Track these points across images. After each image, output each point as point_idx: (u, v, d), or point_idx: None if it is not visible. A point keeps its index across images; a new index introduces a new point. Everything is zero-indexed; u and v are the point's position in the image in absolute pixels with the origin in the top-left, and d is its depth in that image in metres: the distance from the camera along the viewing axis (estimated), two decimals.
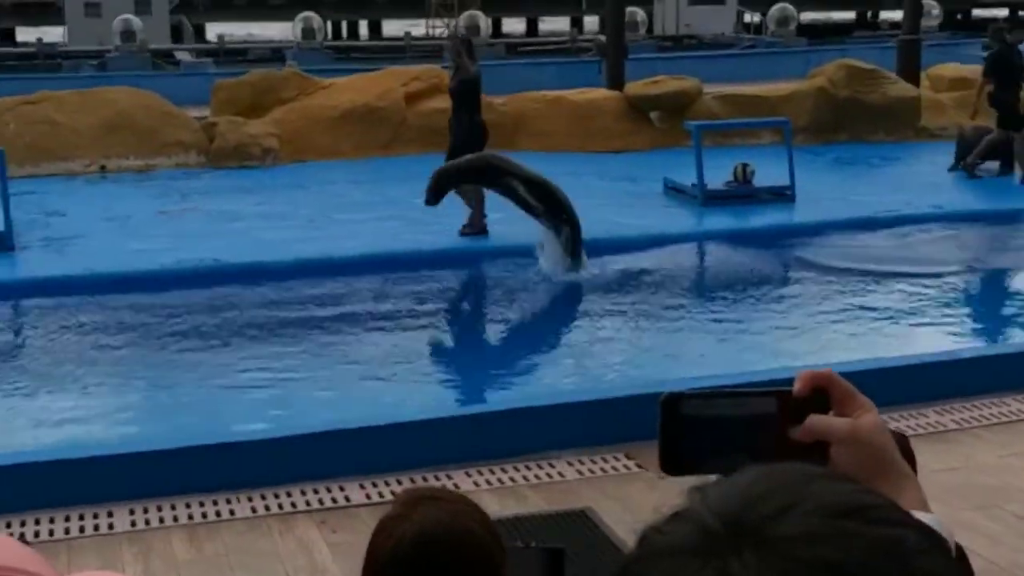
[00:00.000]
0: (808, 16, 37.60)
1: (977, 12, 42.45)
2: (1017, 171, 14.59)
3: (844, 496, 0.77)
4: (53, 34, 28.53)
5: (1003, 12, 41.69)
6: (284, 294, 10.50)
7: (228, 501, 6.01)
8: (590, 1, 35.07)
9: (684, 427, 1.02)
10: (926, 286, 10.74)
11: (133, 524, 5.82)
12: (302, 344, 9.31)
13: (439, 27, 33.28)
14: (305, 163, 16.09)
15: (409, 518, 2.05)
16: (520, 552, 2.19)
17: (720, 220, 12.85)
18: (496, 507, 5.77)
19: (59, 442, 7.20)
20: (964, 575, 0.77)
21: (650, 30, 30.36)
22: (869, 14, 40.38)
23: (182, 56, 27.75)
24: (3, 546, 0.93)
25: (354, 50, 30.69)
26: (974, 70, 18.77)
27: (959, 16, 39.99)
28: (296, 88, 17.54)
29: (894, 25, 30.81)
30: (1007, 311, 10.73)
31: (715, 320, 9.91)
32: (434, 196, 10.75)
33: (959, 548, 0.93)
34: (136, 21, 25.62)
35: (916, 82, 18.68)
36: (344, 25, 35.96)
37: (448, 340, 9.37)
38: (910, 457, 2.54)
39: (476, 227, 11.59)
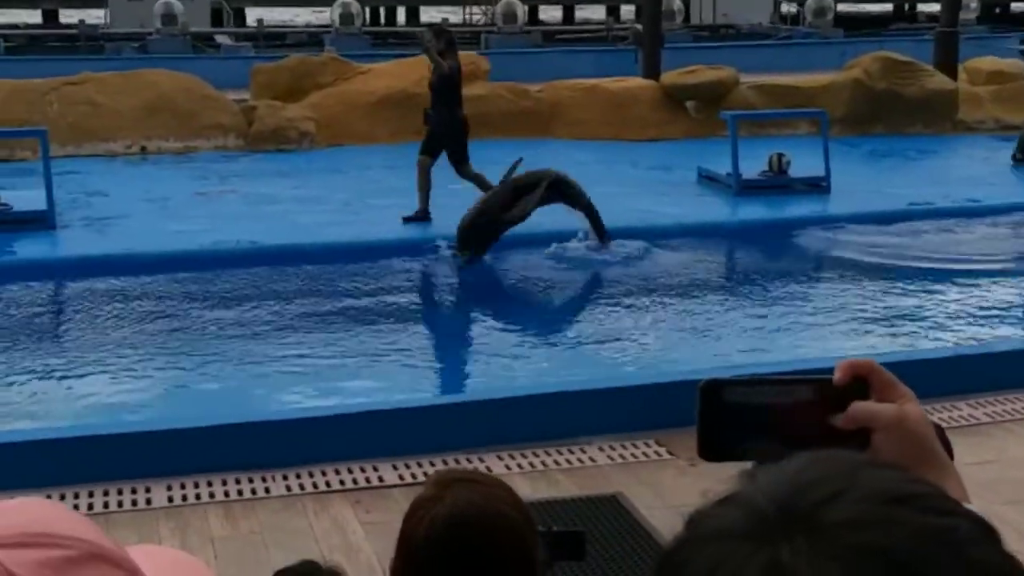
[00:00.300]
0: (845, 7, 37.37)
1: (1016, 5, 42.06)
2: None
3: (895, 483, 0.77)
4: (95, 16, 28.70)
5: None
6: (320, 277, 10.60)
7: (264, 479, 6.09)
8: None
9: (723, 414, 1.02)
10: (960, 279, 10.71)
11: (170, 500, 5.91)
12: (338, 326, 9.40)
13: (476, 14, 33.27)
14: (341, 148, 16.17)
15: (442, 500, 2.05)
16: (541, 536, 2.18)
17: (754, 210, 12.85)
18: (528, 491, 5.82)
19: (98, 418, 7.31)
20: (1016, 568, 0.75)
21: (687, 19, 30.24)
22: (906, 6, 40.08)
23: (222, 40, 27.87)
24: (56, 513, 0.97)
25: (392, 36, 30.75)
26: (1012, 64, 18.67)
27: (997, 9, 39.58)
28: (334, 73, 17.61)
29: (931, 18, 30.58)
30: None
31: (747, 309, 9.93)
32: (476, 248, 10.43)
33: None
34: (177, 4, 25.75)
35: (953, 75, 18.57)
36: (382, 11, 36.00)
37: (483, 324, 9.43)
38: (947, 449, 2.56)
39: (421, 213, 11.59)
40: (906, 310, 9.87)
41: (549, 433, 6.56)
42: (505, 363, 8.47)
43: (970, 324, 9.54)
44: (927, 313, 9.84)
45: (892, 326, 9.42)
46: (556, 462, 6.33)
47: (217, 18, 30.06)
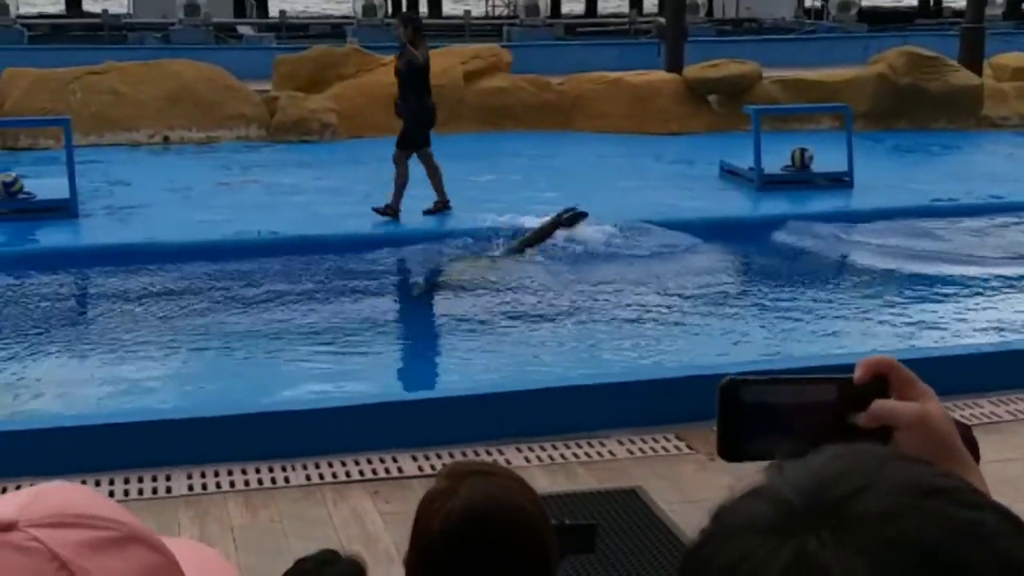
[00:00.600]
0: (869, 2, 37.18)
1: None
2: None
3: (922, 477, 0.76)
4: (118, 5, 28.79)
5: None
6: (341, 267, 10.62)
7: (284, 469, 6.10)
8: None
9: (743, 413, 1.01)
10: (983, 275, 10.66)
11: (190, 488, 5.93)
12: (358, 316, 9.42)
13: (499, 6, 33.26)
14: (363, 139, 16.19)
15: (457, 493, 2.03)
16: (552, 528, 2.15)
17: (776, 204, 12.81)
18: (546, 483, 5.83)
19: (119, 406, 7.35)
20: None
21: (710, 13, 30.16)
22: (932, 1, 39.87)
23: (244, 30, 27.91)
24: (92, 497, 0.98)
25: None
26: None
27: (1023, 5, 39.37)
28: (356, 64, 17.64)
29: (957, 13, 30.39)
30: None
31: (768, 304, 9.91)
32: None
33: None
34: None
35: (979, 71, 18.47)
36: (404, 3, 36.03)
37: (503, 317, 9.43)
38: (973, 447, 2.54)
39: (395, 209, 11.55)
40: (928, 306, 9.83)
41: (568, 426, 6.56)
42: (525, 356, 8.47)
43: (992, 321, 9.50)
44: (949, 310, 9.79)
45: (914, 322, 9.38)
46: (575, 455, 6.33)
47: (240, 9, 30.12)
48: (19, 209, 11.72)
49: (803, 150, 13.61)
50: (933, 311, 9.73)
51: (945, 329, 9.25)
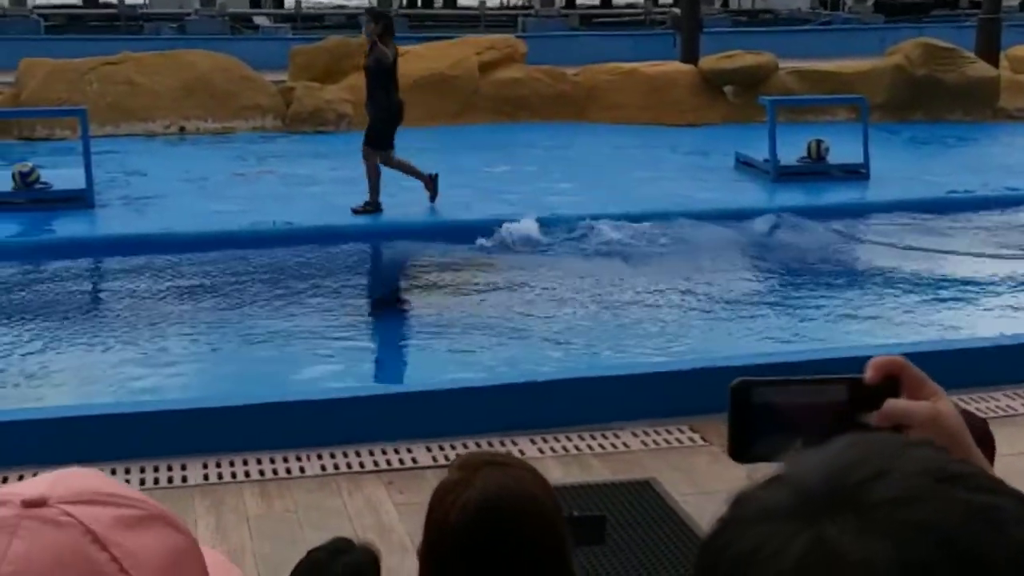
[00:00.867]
0: None
1: None
2: None
3: (940, 463, 0.77)
4: None
5: None
6: (356, 258, 10.64)
7: (299, 459, 6.13)
8: None
9: (754, 414, 1.02)
10: (998, 268, 10.63)
11: (206, 478, 5.96)
12: (372, 307, 9.44)
13: None
14: None
15: (471, 484, 2.02)
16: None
17: (791, 196, 12.79)
18: (560, 474, 5.84)
19: (135, 396, 7.38)
20: None
21: (725, 4, 30.13)
22: None
23: (260, 21, 27.97)
24: (115, 481, 0.99)
25: (429, 19, 30.73)
26: None
27: None
28: None
29: (974, 4, 30.24)
30: None
31: (782, 297, 9.89)
32: None
33: None
34: None
35: (995, 62, 18.41)
36: None
37: (517, 308, 9.44)
38: (990, 441, 2.53)
39: (374, 204, 11.52)
40: (943, 299, 9.80)
41: (582, 418, 6.57)
42: (540, 347, 8.47)
43: (1008, 314, 9.47)
44: (964, 302, 9.77)
45: (928, 315, 9.36)
46: (589, 447, 6.34)
47: None
48: (36, 199, 11.78)
49: (819, 142, 13.59)
50: (949, 303, 9.71)
51: (961, 321, 9.23)
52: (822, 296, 9.89)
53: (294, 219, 11.27)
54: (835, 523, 0.72)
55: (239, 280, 9.97)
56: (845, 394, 1.03)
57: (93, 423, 6.25)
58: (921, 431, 1.01)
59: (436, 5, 36.48)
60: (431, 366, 8.07)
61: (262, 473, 6.01)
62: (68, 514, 0.89)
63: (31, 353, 8.27)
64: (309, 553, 2.94)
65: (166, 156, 14.65)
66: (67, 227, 11.21)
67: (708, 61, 17.82)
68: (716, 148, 14.88)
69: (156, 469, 5.97)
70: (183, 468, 6.02)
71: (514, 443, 6.29)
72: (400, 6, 28.15)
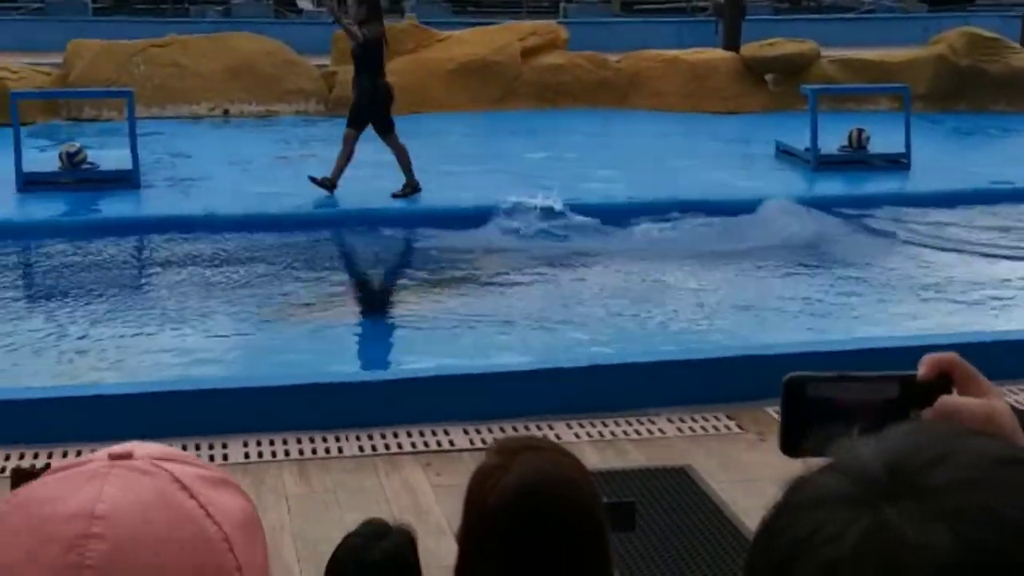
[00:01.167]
0: None
1: None
2: None
3: (999, 448, 0.76)
4: None
5: None
6: (397, 241, 10.73)
7: (338, 439, 6.22)
8: None
9: (807, 409, 1.03)
10: None
11: (246, 456, 6.07)
12: (412, 290, 9.52)
13: None
14: (420, 114, 16.26)
15: (509, 468, 2.03)
16: None
17: (832, 185, 12.75)
18: (596, 459, 5.89)
19: (178, 375, 7.49)
20: None
21: None
22: None
23: (304, 5, 28.06)
24: (175, 449, 1.04)
25: (472, 4, 30.73)
26: None
27: None
28: (414, 40, 17.70)
29: None
30: None
31: (822, 286, 9.88)
32: None
33: None
34: None
35: None
36: None
37: (555, 294, 9.48)
38: None
39: (411, 186, 11.57)
40: (986, 291, 9.76)
41: (619, 403, 6.62)
42: (578, 332, 8.52)
43: None
44: (1007, 294, 9.73)
45: (972, 307, 9.33)
46: (625, 432, 6.39)
47: None
48: (83, 179, 11.96)
49: (860, 131, 13.53)
50: (991, 295, 9.66)
51: (1005, 313, 9.20)
52: (860, 285, 9.87)
53: (337, 202, 11.37)
54: (895, 508, 0.71)
55: (280, 262, 10.07)
56: (897, 391, 1.04)
57: (135, 401, 6.36)
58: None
59: None
60: (469, 349, 8.13)
61: (301, 453, 6.10)
62: (156, 465, 0.96)
63: (77, 332, 8.40)
64: (346, 538, 2.97)
65: (211, 138, 14.78)
66: (113, 207, 11.36)
67: (750, 49, 17.76)
68: (757, 136, 14.85)
69: (197, 447, 6.05)
70: (224, 447, 6.12)
71: (551, 427, 6.35)
72: None
